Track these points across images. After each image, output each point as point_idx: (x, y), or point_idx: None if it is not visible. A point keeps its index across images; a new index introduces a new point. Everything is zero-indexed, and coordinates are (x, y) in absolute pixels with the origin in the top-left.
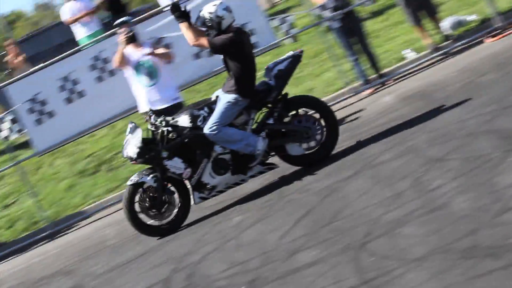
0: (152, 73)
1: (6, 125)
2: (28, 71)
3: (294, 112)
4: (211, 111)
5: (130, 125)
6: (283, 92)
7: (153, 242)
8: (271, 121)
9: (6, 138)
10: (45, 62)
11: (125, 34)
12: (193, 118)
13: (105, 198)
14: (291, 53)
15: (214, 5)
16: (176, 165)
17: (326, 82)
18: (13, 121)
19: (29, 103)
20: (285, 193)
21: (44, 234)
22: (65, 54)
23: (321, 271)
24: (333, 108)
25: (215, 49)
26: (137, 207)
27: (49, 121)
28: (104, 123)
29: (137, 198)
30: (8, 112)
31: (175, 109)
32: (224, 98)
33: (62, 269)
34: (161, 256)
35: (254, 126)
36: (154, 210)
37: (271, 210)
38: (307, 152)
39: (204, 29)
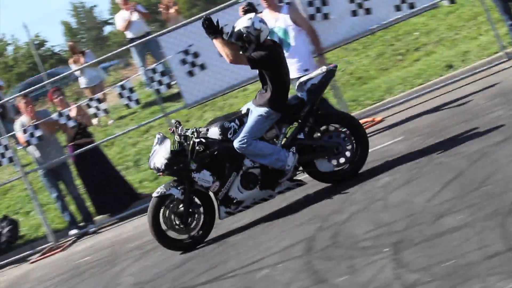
0: (283, 42)
1: (157, 76)
2: (181, 23)
3: (324, 127)
4: (241, 124)
5: (157, 136)
6: (315, 107)
7: (299, 199)
8: (301, 136)
9: (158, 91)
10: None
11: (242, 8)
12: (224, 131)
13: None
14: (324, 68)
15: (249, 19)
16: (204, 178)
17: (481, 46)
18: (163, 73)
19: (181, 54)
20: (434, 156)
21: None
22: (219, 6)
23: (467, 236)
24: (488, 72)
25: (255, 64)
26: (161, 219)
27: (201, 74)
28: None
29: (162, 210)
30: (159, 63)
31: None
32: (255, 111)
33: None
34: (307, 214)
35: (283, 141)
36: (179, 224)
37: (419, 172)
38: (336, 168)
39: (239, 44)
